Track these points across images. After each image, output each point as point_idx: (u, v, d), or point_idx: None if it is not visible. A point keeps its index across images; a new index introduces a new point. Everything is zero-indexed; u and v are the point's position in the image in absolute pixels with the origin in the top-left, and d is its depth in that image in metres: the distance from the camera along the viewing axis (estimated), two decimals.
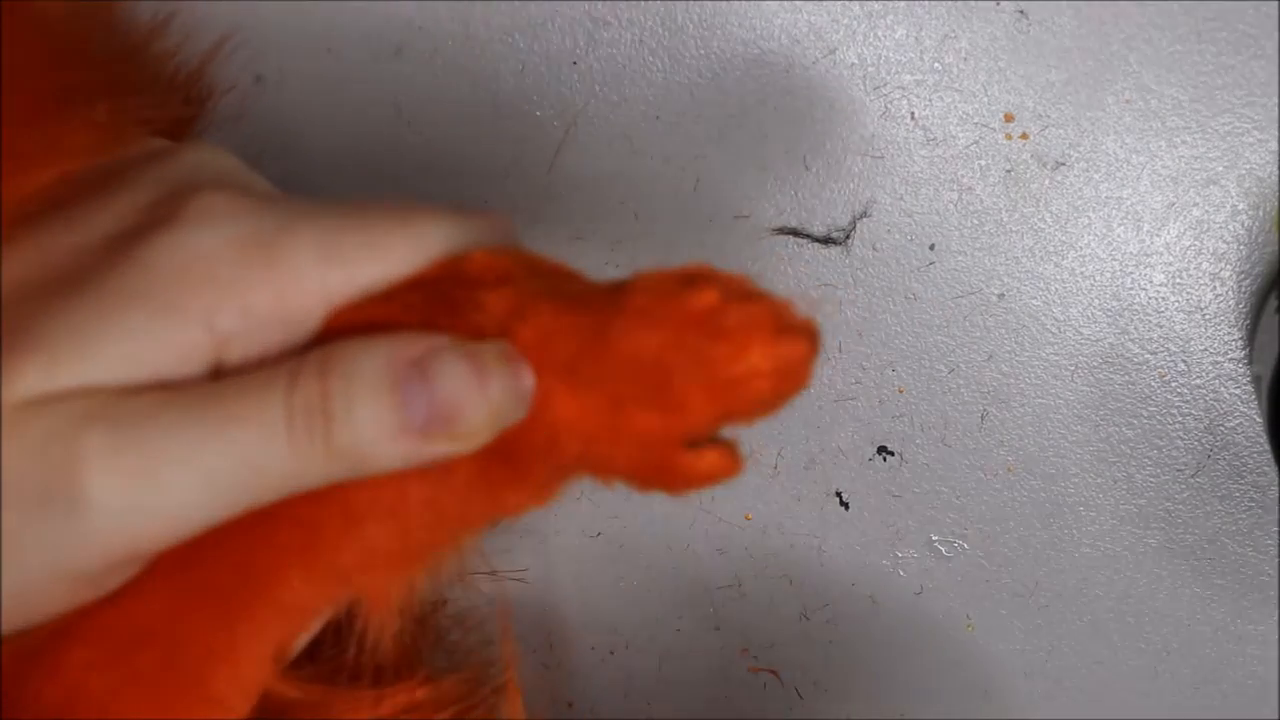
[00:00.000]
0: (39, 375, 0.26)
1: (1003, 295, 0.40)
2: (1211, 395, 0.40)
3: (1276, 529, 0.40)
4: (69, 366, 0.26)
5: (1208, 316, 0.40)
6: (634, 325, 0.27)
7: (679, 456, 0.28)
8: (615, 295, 0.27)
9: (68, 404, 0.26)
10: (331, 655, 0.32)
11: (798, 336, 0.27)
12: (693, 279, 0.27)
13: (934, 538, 0.42)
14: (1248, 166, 0.39)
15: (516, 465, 0.29)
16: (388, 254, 0.28)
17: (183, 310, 0.27)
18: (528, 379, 0.27)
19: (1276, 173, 0.39)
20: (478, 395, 0.27)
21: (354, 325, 0.28)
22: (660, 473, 0.28)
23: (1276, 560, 0.40)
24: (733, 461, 0.29)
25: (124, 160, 0.29)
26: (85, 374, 0.26)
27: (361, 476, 0.28)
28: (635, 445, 0.28)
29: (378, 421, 0.27)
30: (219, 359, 0.27)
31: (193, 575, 0.28)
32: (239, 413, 0.26)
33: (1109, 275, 0.40)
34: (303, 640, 0.30)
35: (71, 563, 0.26)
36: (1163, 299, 0.40)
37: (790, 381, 0.27)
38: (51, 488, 0.25)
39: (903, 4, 0.39)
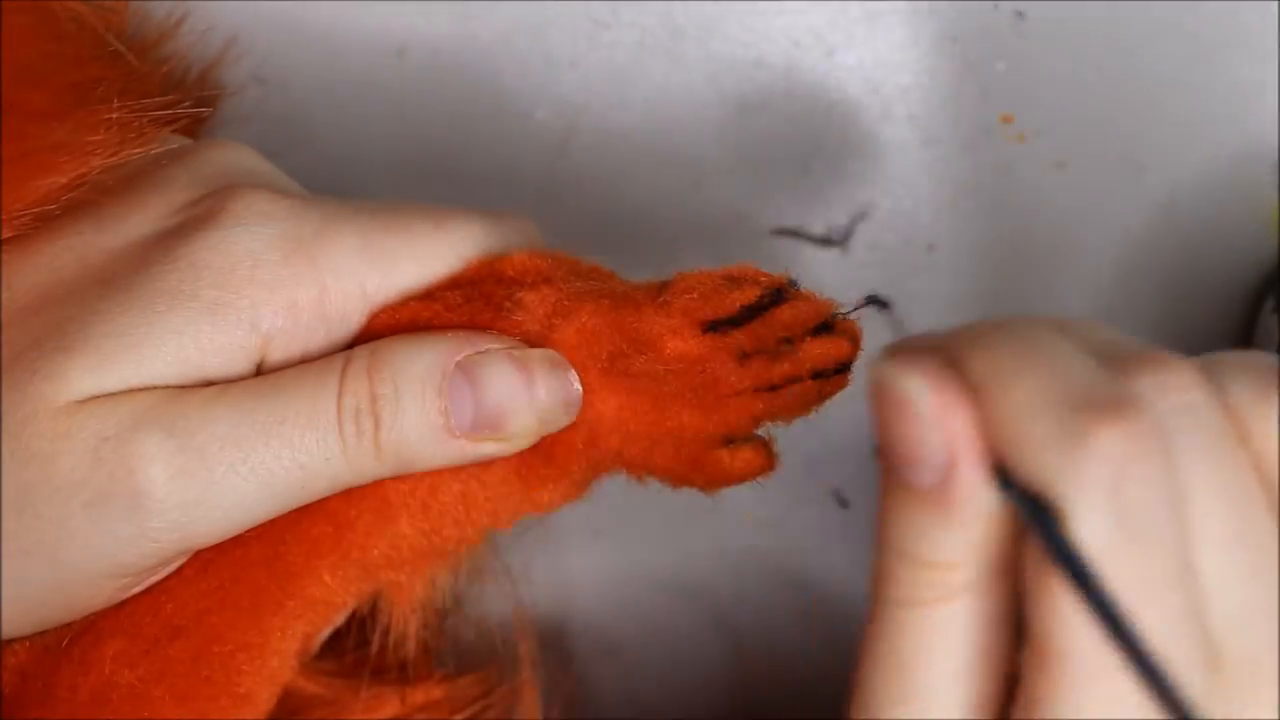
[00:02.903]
0: (87, 376, 0.26)
1: (1001, 296, 0.41)
2: None
3: None
4: (117, 367, 0.26)
5: (1204, 317, 0.40)
6: (678, 325, 0.27)
7: (716, 454, 0.29)
8: (657, 295, 0.28)
9: (119, 405, 0.26)
10: (353, 651, 0.33)
11: (840, 337, 0.27)
12: (736, 279, 0.28)
13: None
14: (1245, 167, 0.39)
15: (554, 462, 0.29)
16: (426, 254, 0.29)
17: (229, 309, 0.27)
18: (576, 385, 0.28)
19: (1273, 174, 0.39)
20: (525, 399, 0.27)
21: (398, 324, 0.29)
22: (697, 470, 0.29)
23: None
24: (768, 459, 0.29)
25: (148, 160, 0.29)
26: (134, 375, 0.26)
27: (406, 474, 0.28)
28: (674, 443, 0.28)
29: (425, 423, 0.27)
30: (262, 358, 0.28)
31: (224, 570, 0.28)
32: (291, 414, 0.27)
33: (1106, 276, 0.40)
34: (325, 634, 0.31)
35: (125, 560, 0.26)
36: (1159, 300, 0.40)
37: (832, 381, 0.28)
38: (108, 488, 0.26)
39: (901, 5, 0.40)
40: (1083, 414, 0.20)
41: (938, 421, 0.21)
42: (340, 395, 0.27)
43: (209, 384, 0.27)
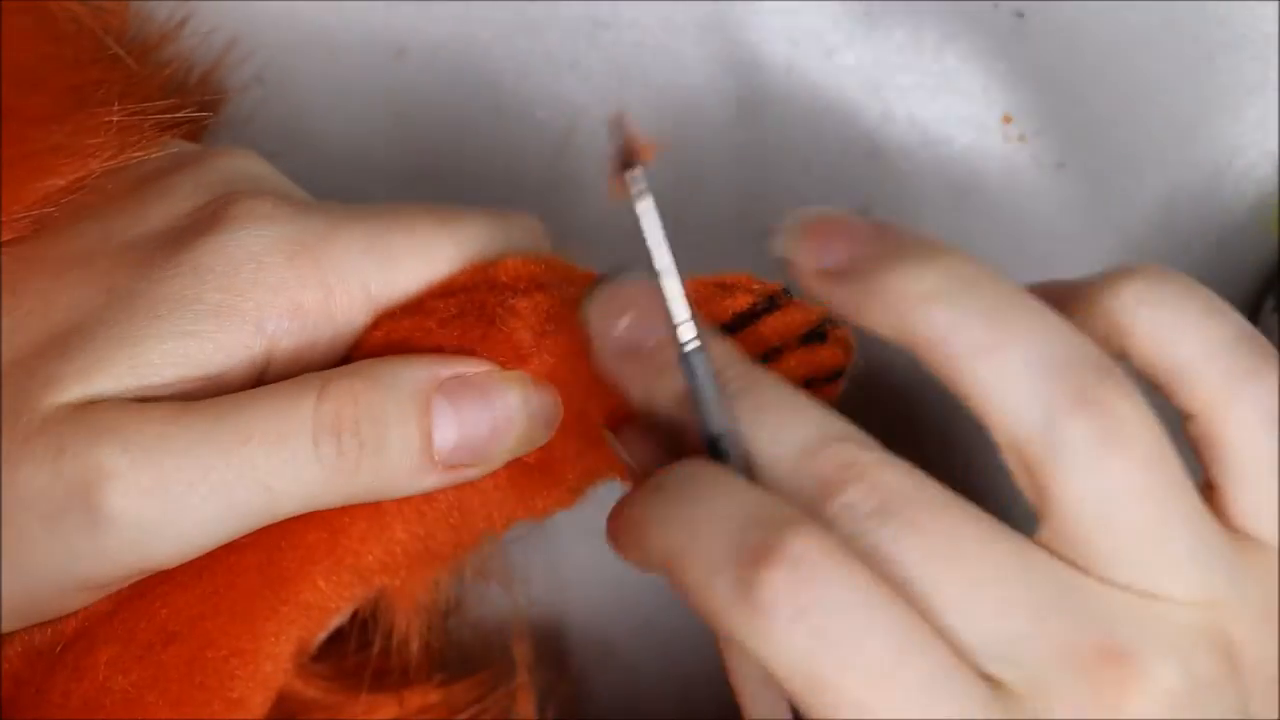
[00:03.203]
0: (84, 381, 0.26)
1: None
2: None
3: None
4: (117, 370, 0.26)
5: None
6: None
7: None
8: None
9: (83, 417, 0.26)
10: (354, 654, 0.33)
11: (833, 345, 0.27)
12: (729, 287, 0.28)
13: None
14: (1244, 167, 0.39)
15: (548, 469, 0.29)
16: (429, 253, 0.29)
17: (233, 312, 0.27)
18: (554, 405, 0.28)
19: (1273, 174, 0.39)
20: (504, 424, 0.27)
21: (392, 340, 0.29)
22: None
23: None
24: None
25: (153, 166, 0.29)
26: (134, 379, 0.26)
27: (385, 499, 0.28)
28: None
29: (406, 449, 0.27)
30: (268, 360, 0.28)
31: (218, 576, 0.28)
32: (257, 434, 0.26)
33: None
34: (320, 638, 0.31)
35: (85, 574, 0.26)
36: None
37: (825, 389, 0.28)
38: (64, 503, 0.25)
39: (901, 5, 0.40)
40: (741, 566, 0.21)
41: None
42: (318, 416, 0.27)
43: (210, 386, 0.27)
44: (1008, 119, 0.40)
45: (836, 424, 0.24)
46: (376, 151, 0.41)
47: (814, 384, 0.28)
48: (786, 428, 0.24)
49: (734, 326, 0.27)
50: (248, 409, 0.26)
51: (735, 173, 0.41)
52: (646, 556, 0.24)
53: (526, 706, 0.35)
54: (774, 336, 0.27)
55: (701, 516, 0.22)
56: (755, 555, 0.21)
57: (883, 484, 0.23)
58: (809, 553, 0.21)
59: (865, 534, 0.22)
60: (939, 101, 0.40)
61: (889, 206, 0.40)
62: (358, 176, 0.41)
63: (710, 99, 0.40)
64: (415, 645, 0.31)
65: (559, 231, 0.37)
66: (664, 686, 0.42)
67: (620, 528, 0.25)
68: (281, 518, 0.27)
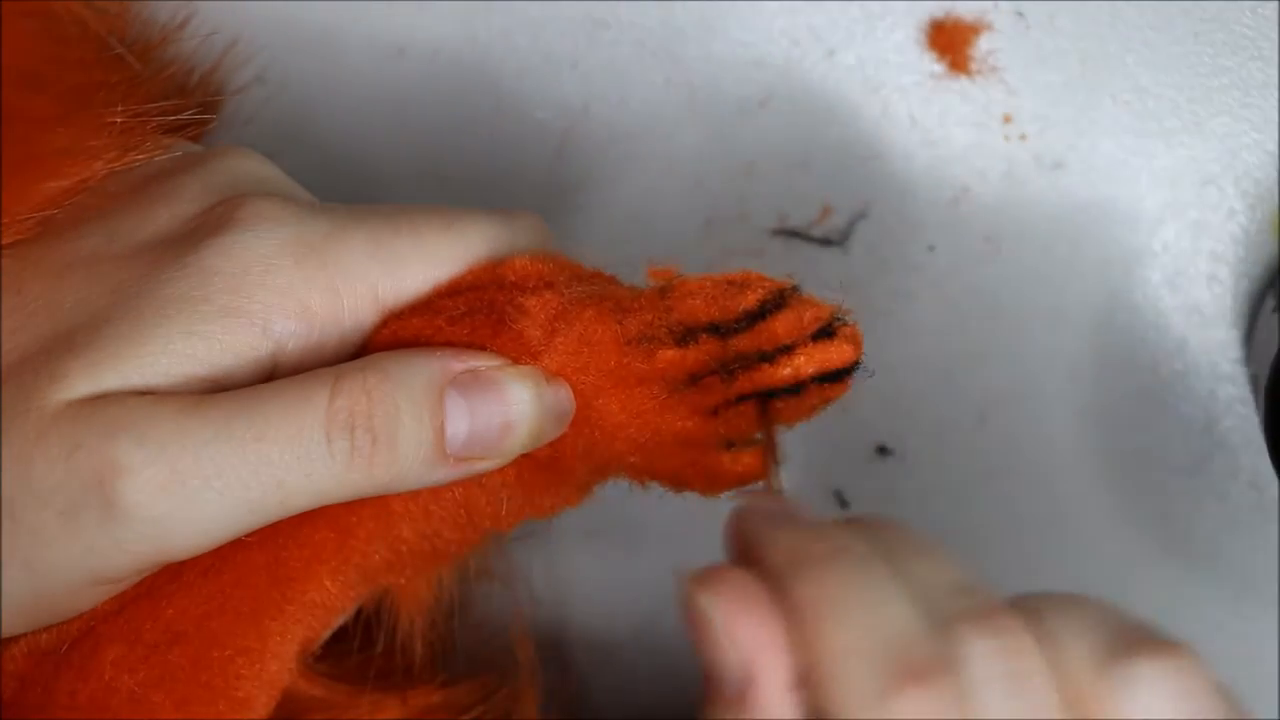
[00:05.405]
0: (89, 378, 0.26)
1: (1001, 296, 0.41)
2: (1209, 395, 0.40)
3: (1274, 528, 0.40)
4: (123, 367, 0.26)
5: (1205, 317, 0.40)
6: (679, 330, 0.27)
7: (717, 458, 0.29)
8: (660, 300, 0.28)
9: (97, 412, 0.26)
10: (357, 654, 0.33)
11: (842, 342, 0.27)
12: (738, 284, 0.28)
13: None
14: (1245, 167, 0.39)
15: (556, 468, 0.29)
16: (435, 254, 0.29)
17: (240, 314, 0.27)
18: (567, 400, 0.28)
19: (1274, 174, 0.39)
20: (516, 418, 0.27)
21: (401, 339, 0.29)
22: (698, 474, 0.29)
23: (1275, 560, 0.40)
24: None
25: (157, 168, 0.29)
26: (138, 377, 0.26)
27: (396, 493, 0.28)
28: (675, 447, 0.28)
29: (419, 443, 0.27)
30: (275, 363, 0.28)
31: (225, 575, 0.28)
32: (270, 431, 0.26)
33: (1107, 276, 0.40)
34: (324, 637, 0.31)
35: (101, 569, 0.26)
36: (1160, 299, 0.40)
37: (834, 385, 0.28)
38: (80, 498, 0.25)
39: (901, 5, 0.40)
40: (893, 674, 0.22)
41: (734, 642, 0.24)
42: (331, 411, 0.26)
43: (216, 388, 0.27)
44: (1008, 118, 0.40)
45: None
46: (377, 151, 0.41)
47: (824, 380, 0.28)
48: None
49: (745, 324, 0.27)
50: (261, 404, 0.26)
51: (735, 173, 0.41)
52: (774, 588, 0.24)
53: (529, 707, 0.35)
54: (784, 333, 0.27)
55: (873, 599, 0.24)
56: (911, 671, 0.23)
57: (1026, 656, 0.24)
58: (951, 700, 0.23)
59: (986, 694, 0.23)
60: (939, 101, 0.40)
61: (889, 206, 0.40)
62: (358, 176, 0.41)
63: (710, 99, 0.40)
64: (419, 645, 0.31)
65: (558, 231, 0.37)
66: (664, 686, 0.42)
67: (758, 556, 0.25)
68: (294, 512, 0.27)
